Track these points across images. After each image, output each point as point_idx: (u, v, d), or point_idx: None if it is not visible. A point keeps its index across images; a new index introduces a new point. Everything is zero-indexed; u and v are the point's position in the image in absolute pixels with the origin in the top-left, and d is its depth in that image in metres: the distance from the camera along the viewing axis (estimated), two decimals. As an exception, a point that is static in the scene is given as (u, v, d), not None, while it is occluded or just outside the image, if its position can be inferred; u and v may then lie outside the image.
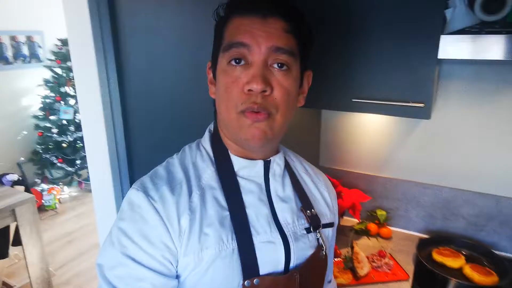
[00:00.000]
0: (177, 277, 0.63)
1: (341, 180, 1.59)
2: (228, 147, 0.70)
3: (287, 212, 0.70)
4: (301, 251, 0.70)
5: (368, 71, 1.10)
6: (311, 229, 0.72)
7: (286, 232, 0.68)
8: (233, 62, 0.61)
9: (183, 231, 0.61)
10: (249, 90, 0.60)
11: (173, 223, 0.61)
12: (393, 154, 1.55)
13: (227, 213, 0.65)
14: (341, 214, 1.51)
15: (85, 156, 4.17)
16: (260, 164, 0.69)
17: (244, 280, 0.62)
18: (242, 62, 0.61)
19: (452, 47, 0.94)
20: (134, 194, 0.63)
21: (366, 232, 1.54)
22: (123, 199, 1.48)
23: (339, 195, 1.49)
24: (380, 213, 1.57)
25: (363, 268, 1.26)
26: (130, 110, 1.34)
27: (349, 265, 1.28)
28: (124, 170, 1.43)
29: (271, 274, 0.65)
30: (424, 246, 1.37)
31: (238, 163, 0.69)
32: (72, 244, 3.35)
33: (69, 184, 4.35)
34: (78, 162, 4.24)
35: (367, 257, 1.33)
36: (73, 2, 1.31)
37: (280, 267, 0.67)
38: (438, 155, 1.47)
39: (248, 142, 0.63)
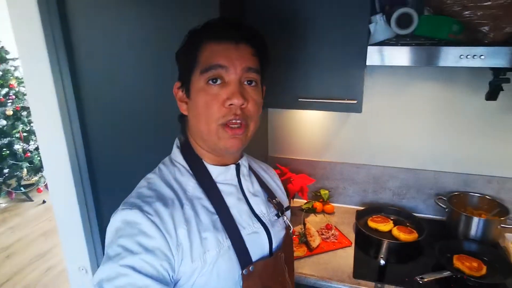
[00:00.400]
0: (175, 285, 0.68)
1: (289, 167, 1.80)
2: (202, 157, 0.78)
3: (261, 204, 0.83)
4: (278, 234, 0.84)
5: (312, 75, 1.30)
6: (279, 214, 0.87)
7: (264, 221, 0.82)
8: (210, 82, 0.70)
9: (180, 242, 0.67)
10: (230, 104, 0.70)
11: (171, 234, 0.66)
12: (330, 141, 1.80)
13: (216, 216, 0.74)
14: (292, 197, 1.73)
15: (13, 164, 3.92)
16: (232, 168, 0.80)
17: (242, 270, 0.73)
18: (219, 81, 0.70)
19: (376, 55, 1.18)
20: (128, 214, 0.66)
21: (313, 210, 1.78)
22: (85, 203, 1.50)
23: (289, 181, 1.69)
24: (324, 192, 1.82)
25: (315, 241, 1.48)
26: (87, 112, 1.37)
27: (303, 239, 1.50)
28: (85, 176, 1.47)
29: (261, 259, 0.78)
30: (361, 216, 1.65)
31: (214, 171, 0.78)
32: (11, 258, 3.15)
33: (-4, 195, 4.03)
34: (5, 171, 3.93)
35: (317, 231, 1.56)
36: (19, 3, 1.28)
37: (266, 251, 0.81)
38: (367, 139, 1.74)
39: (227, 150, 0.73)
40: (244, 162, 0.84)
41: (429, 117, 1.62)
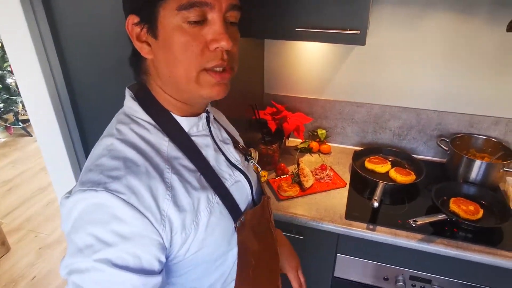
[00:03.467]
0: (168, 257, 0.61)
1: (285, 105, 1.71)
2: (170, 109, 0.67)
3: (233, 152, 0.77)
4: (253, 177, 0.81)
5: (310, 1, 1.15)
6: (248, 158, 0.84)
7: (241, 168, 0.76)
8: (192, 19, 0.56)
9: (166, 215, 0.58)
10: (216, 47, 0.58)
11: (152, 210, 0.56)
12: (331, 78, 1.68)
13: (199, 174, 0.66)
14: (287, 136, 1.66)
15: (8, 98, 3.84)
16: (203, 117, 0.71)
17: (235, 222, 0.69)
18: (199, 19, 0.57)
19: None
20: (93, 196, 0.53)
21: (309, 150, 1.72)
22: (71, 139, 1.45)
23: (284, 120, 1.61)
24: (321, 132, 1.75)
25: (308, 181, 1.44)
26: (64, 40, 1.26)
27: (296, 179, 1.46)
28: (68, 109, 1.39)
29: (249, 208, 0.75)
30: (358, 157, 1.59)
31: (186, 124, 0.68)
32: (13, 191, 3.22)
33: (-6, 130, 4.02)
34: (0, 105, 3.87)
35: (311, 171, 1.52)
36: None
37: (250, 197, 0.77)
38: (370, 76, 1.62)
39: (211, 98, 0.63)
40: (209, 109, 0.75)
41: (439, 53, 1.48)
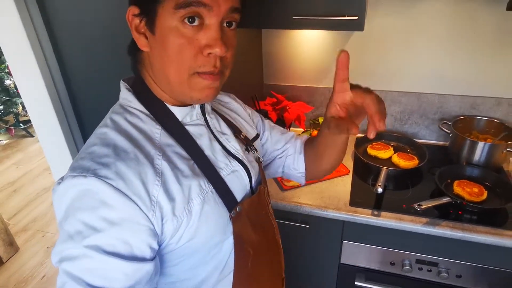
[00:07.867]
0: (160, 245, 0.62)
1: (286, 95, 1.70)
2: (163, 99, 0.67)
3: (232, 141, 0.76)
4: (254, 168, 0.79)
5: (306, -12, 1.13)
6: (248, 149, 0.81)
7: (240, 158, 0.75)
8: (187, 21, 0.56)
9: (156, 201, 0.58)
10: (209, 53, 0.58)
11: (141, 196, 0.56)
12: (330, 65, 1.67)
13: (192, 162, 0.66)
14: (288, 126, 1.65)
15: (7, 100, 3.84)
16: (197, 107, 0.71)
17: (230, 212, 0.68)
18: (197, 22, 0.57)
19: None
20: (82, 182, 0.54)
21: (311, 139, 1.72)
22: (72, 134, 1.44)
23: (285, 109, 1.61)
24: (322, 120, 1.74)
25: (312, 170, 1.44)
26: (59, 36, 1.25)
27: (300, 169, 1.46)
28: (68, 108, 1.39)
29: (246, 197, 0.74)
30: (360, 144, 1.59)
31: (179, 113, 0.68)
32: (18, 192, 3.24)
33: (-4, 133, 4.03)
34: (0, 107, 3.87)
35: (314, 160, 1.51)
36: None
37: (248, 187, 0.76)
38: (369, 62, 1.61)
39: (200, 101, 0.65)
40: None
41: (438, 35, 1.47)
